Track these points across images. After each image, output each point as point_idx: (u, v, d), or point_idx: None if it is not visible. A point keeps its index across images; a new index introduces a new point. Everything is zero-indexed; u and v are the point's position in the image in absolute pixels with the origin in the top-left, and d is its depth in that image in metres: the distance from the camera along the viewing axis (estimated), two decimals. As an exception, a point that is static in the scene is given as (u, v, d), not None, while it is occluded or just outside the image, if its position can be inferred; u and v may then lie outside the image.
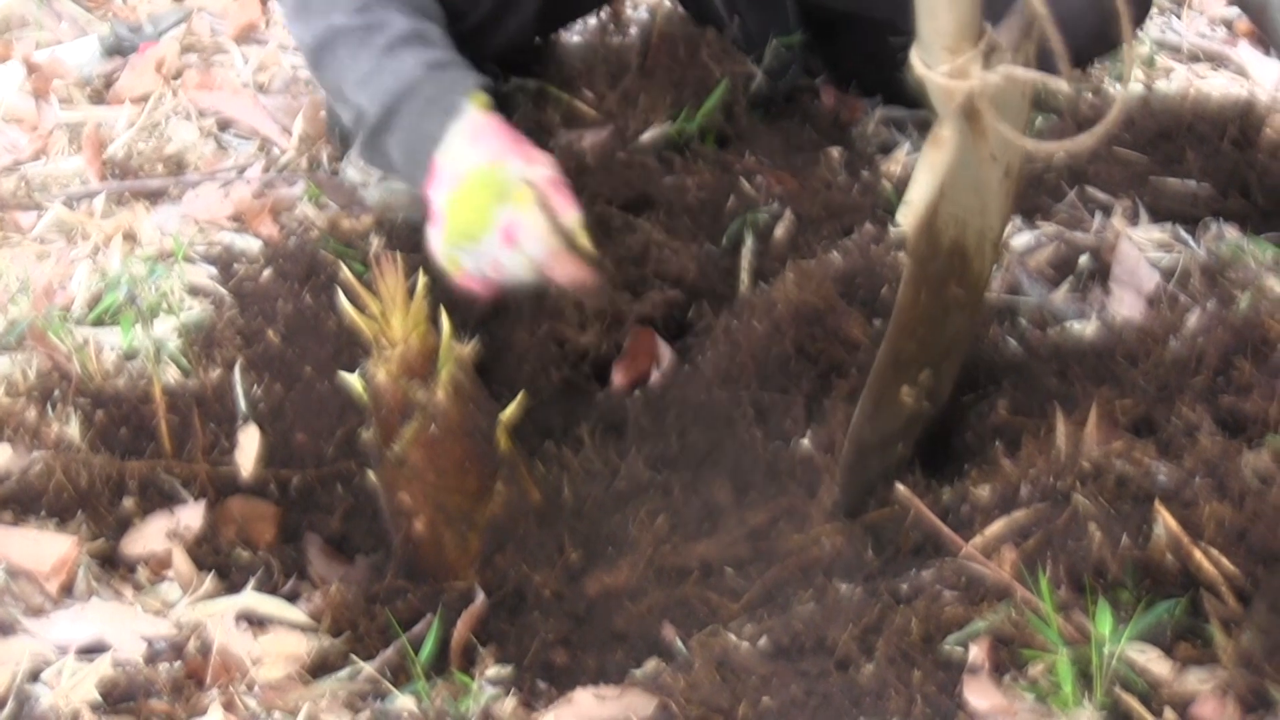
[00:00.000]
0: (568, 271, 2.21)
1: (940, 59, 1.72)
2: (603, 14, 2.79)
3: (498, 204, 2.19)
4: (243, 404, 2.29)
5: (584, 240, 2.20)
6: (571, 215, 2.20)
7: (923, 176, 1.79)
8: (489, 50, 2.53)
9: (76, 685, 1.83)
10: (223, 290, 2.50)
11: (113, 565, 2.11)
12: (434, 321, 2.05)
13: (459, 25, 2.48)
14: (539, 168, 2.22)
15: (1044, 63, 1.71)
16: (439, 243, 2.25)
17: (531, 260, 2.20)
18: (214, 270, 2.56)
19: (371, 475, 2.12)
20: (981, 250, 1.93)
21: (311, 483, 2.25)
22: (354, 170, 2.67)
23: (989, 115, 1.74)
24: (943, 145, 1.77)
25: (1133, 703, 1.65)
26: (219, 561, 2.12)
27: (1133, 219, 2.39)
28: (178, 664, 1.90)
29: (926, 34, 1.73)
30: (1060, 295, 2.26)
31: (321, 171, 2.84)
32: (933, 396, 2.01)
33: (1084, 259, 2.30)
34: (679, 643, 1.92)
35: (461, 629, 2.00)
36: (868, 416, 1.97)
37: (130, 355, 2.40)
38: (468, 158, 2.24)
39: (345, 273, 2.13)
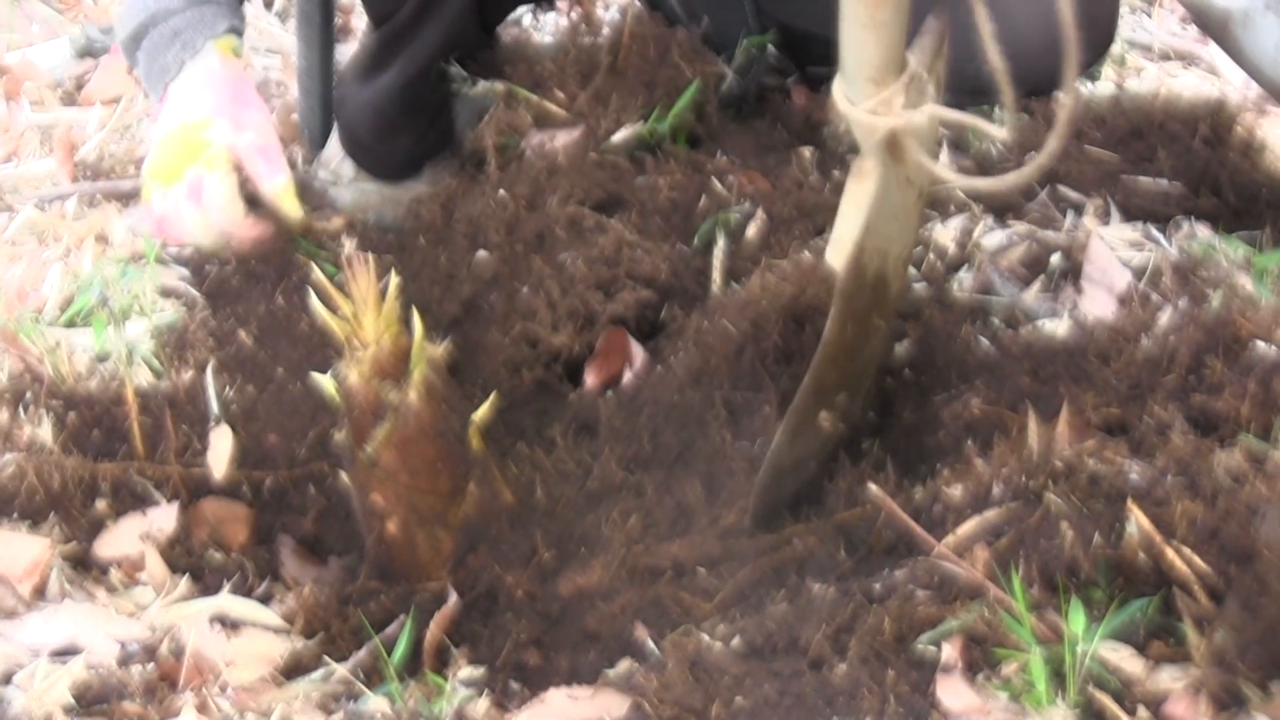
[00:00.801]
0: (247, 237, 2.36)
1: (865, 91, 1.75)
2: (574, 14, 2.78)
3: (190, 162, 2.30)
4: (215, 405, 2.29)
5: (289, 204, 2.34)
6: (276, 180, 2.33)
7: (850, 212, 1.82)
8: (433, 45, 2.54)
9: (49, 688, 1.82)
10: (195, 292, 2.49)
11: (85, 567, 2.11)
12: (406, 322, 2.05)
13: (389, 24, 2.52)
14: (247, 133, 2.33)
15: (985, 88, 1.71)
16: (144, 169, 2.39)
17: (210, 222, 2.33)
18: (186, 272, 2.55)
19: (344, 476, 2.12)
20: (899, 274, 1.97)
21: (284, 484, 2.24)
22: (325, 172, 2.66)
23: (911, 148, 1.76)
24: (867, 177, 1.79)
25: (1106, 701, 1.65)
26: (192, 563, 2.12)
27: (1104, 218, 2.39)
28: (151, 666, 1.89)
29: (851, 66, 1.75)
30: (1032, 294, 2.26)
31: (293, 173, 2.84)
32: (847, 417, 2.03)
33: (1055, 258, 2.30)
34: (651, 643, 1.92)
35: (434, 630, 2.00)
36: (787, 441, 1.99)
37: (102, 357, 2.40)
38: (190, 102, 2.35)
39: (317, 274, 2.13)
